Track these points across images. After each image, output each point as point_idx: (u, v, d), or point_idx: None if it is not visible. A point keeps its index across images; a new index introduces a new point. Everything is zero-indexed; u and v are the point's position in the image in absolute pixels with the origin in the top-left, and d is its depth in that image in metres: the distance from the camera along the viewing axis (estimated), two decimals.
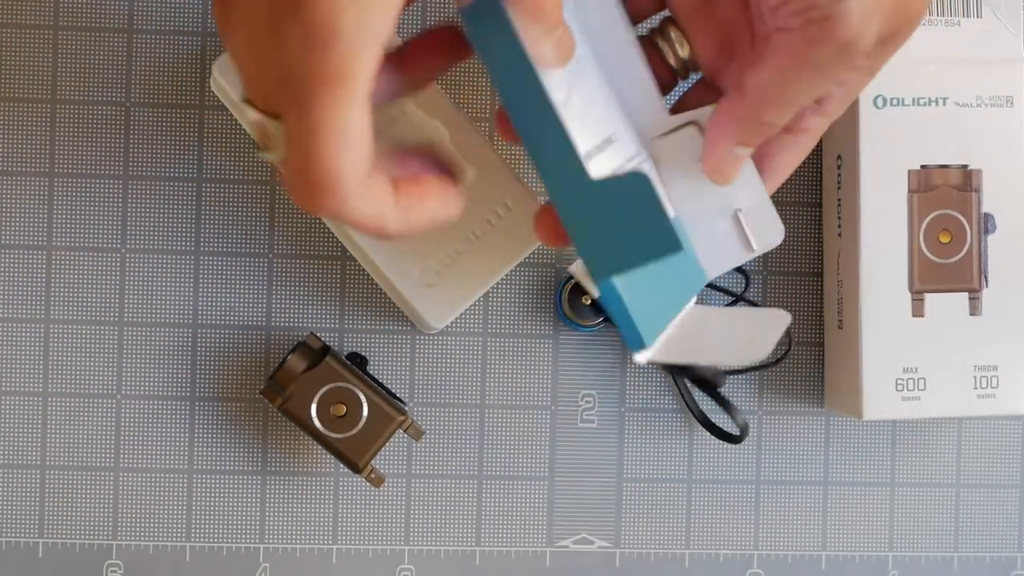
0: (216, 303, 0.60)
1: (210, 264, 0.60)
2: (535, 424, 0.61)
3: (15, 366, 0.59)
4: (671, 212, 0.50)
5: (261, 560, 0.60)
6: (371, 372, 0.60)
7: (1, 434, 0.59)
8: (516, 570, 0.61)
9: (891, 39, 0.45)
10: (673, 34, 0.50)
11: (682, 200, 0.50)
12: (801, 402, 0.62)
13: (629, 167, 0.49)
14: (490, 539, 0.61)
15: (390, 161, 0.44)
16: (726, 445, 0.61)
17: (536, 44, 0.43)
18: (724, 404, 0.59)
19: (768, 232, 0.51)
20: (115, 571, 0.59)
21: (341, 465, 0.59)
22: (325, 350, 0.57)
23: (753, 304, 0.57)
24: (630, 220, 0.43)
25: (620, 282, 0.46)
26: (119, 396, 0.60)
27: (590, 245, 0.43)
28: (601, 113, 0.49)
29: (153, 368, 0.60)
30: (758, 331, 0.49)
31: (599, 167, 0.48)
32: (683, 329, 0.50)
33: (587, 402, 0.61)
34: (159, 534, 0.60)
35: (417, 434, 0.57)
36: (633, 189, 0.42)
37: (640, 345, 0.47)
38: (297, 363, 0.56)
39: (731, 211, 0.51)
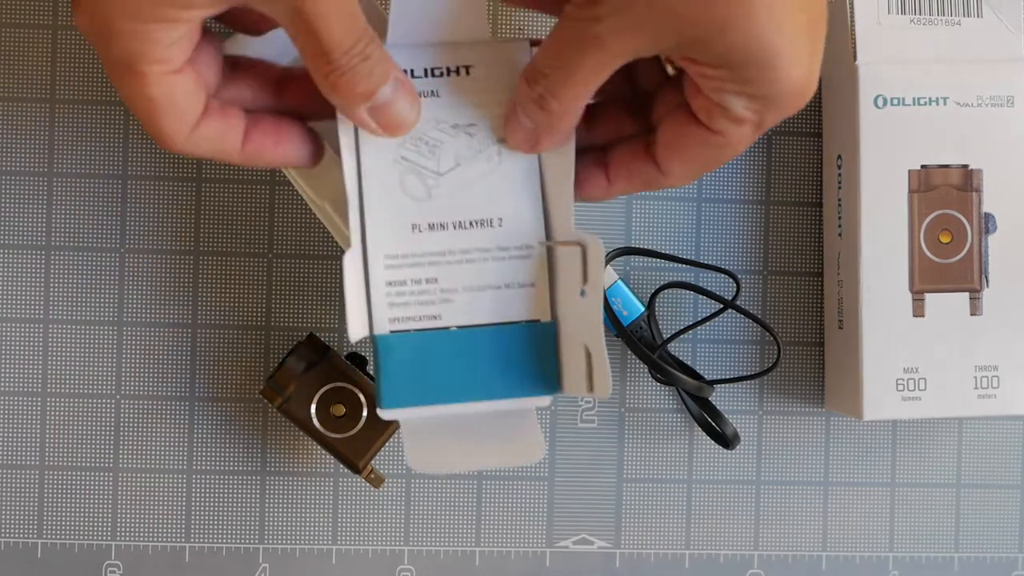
0: (216, 303, 0.60)
1: (210, 264, 0.60)
2: None
3: (14, 366, 0.59)
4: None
5: (260, 560, 0.60)
6: (371, 372, 0.60)
7: (1, 434, 0.59)
8: (516, 570, 0.61)
9: (694, 46, 0.43)
10: None
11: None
12: (801, 402, 0.62)
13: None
14: (490, 539, 0.61)
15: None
16: None
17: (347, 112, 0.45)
18: (714, 414, 0.59)
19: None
20: (114, 571, 0.59)
21: (341, 465, 0.59)
22: (325, 350, 0.57)
23: (745, 313, 0.57)
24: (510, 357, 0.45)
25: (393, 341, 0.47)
26: (118, 396, 0.59)
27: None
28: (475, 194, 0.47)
29: (152, 368, 0.60)
30: (510, 429, 0.48)
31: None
32: (445, 436, 0.47)
33: (587, 402, 0.61)
34: (158, 534, 0.60)
35: None
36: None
37: (380, 404, 0.47)
38: (297, 363, 0.56)
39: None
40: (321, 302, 0.60)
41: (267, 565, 0.60)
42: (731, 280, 0.60)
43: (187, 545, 0.60)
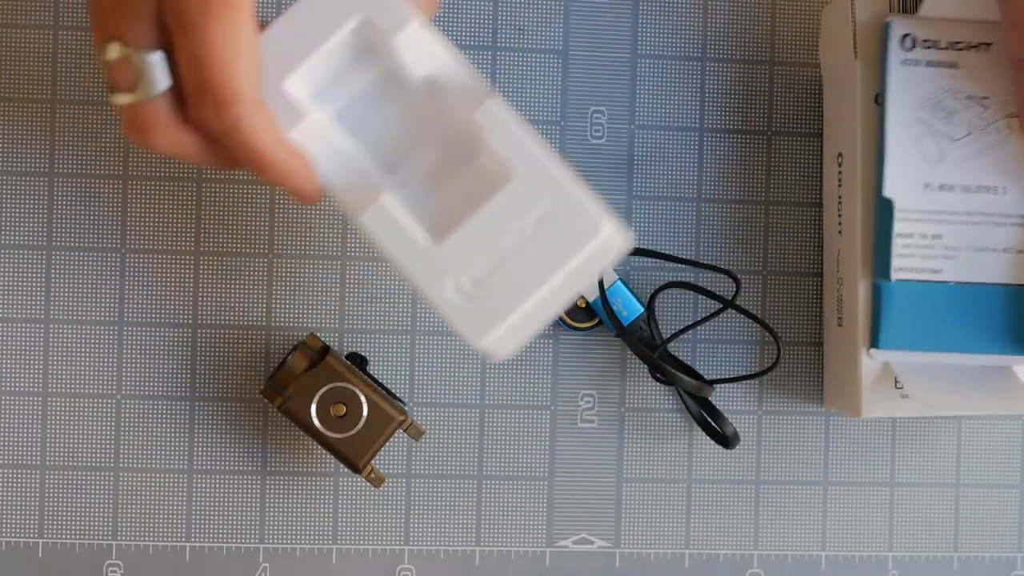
0: (216, 303, 0.60)
1: (210, 264, 0.60)
2: (535, 424, 0.61)
3: (15, 366, 0.59)
4: None
5: (261, 560, 0.60)
6: (371, 372, 0.60)
7: (1, 434, 0.59)
8: (516, 570, 0.61)
9: None
10: None
11: None
12: (801, 402, 0.62)
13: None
14: (490, 539, 0.61)
15: None
16: None
17: None
18: (713, 413, 0.59)
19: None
20: (115, 571, 0.59)
21: (341, 465, 0.59)
22: (325, 350, 0.57)
23: (745, 312, 0.57)
24: None
25: None
26: (119, 396, 0.60)
27: None
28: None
29: (153, 368, 0.60)
30: (995, 382, 0.55)
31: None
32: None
33: (587, 402, 0.61)
34: (159, 534, 0.60)
35: (417, 434, 0.57)
36: None
37: (877, 344, 0.54)
38: (297, 363, 0.56)
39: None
40: (321, 302, 0.60)
41: (267, 565, 0.60)
42: (731, 280, 0.60)
43: (188, 545, 0.60)
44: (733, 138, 0.61)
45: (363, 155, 0.50)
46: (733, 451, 0.61)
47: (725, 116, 0.61)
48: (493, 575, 0.61)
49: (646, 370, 0.61)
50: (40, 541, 0.59)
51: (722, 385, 0.61)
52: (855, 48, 0.56)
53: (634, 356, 0.61)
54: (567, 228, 0.48)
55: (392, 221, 0.49)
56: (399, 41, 0.48)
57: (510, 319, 0.48)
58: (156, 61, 0.46)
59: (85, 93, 0.59)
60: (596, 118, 0.61)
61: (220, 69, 0.44)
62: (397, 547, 0.60)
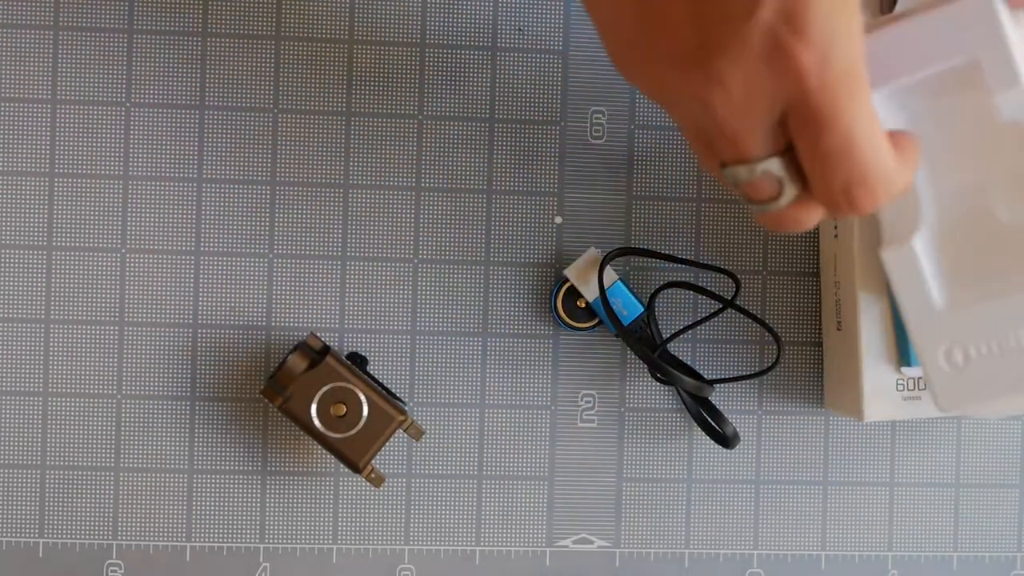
0: (216, 303, 0.60)
1: (210, 264, 0.60)
2: (535, 424, 0.61)
3: (15, 366, 0.59)
4: None
5: (261, 560, 0.60)
6: (371, 372, 0.60)
7: (1, 434, 0.59)
8: (516, 570, 0.61)
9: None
10: None
11: None
12: (801, 402, 0.62)
13: None
14: (490, 539, 0.61)
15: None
16: None
17: None
18: (713, 413, 0.59)
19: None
20: (115, 571, 0.60)
21: (341, 465, 0.59)
22: (325, 350, 0.57)
23: (745, 312, 0.58)
24: None
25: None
26: (119, 396, 0.60)
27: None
28: None
29: (153, 368, 0.60)
30: None
31: None
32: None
33: (587, 402, 0.61)
34: (159, 534, 0.60)
35: (417, 434, 0.57)
36: None
37: None
38: (297, 363, 0.56)
39: None
40: (321, 302, 0.60)
41: (268, 564, 0.60)
42: (731, 280, 0.60)
43: (188, 544, 0.60)
44: None
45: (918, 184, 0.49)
46: (733, 451, 0.61)
47: None
48: (493, 575, 0.61)
49: (646, 370, 0.61)
50: (40, 541, 0.59)
51: (722, 385, 0.61)
52: None
53: (634, 356, 0.61)
54: None
55: (914, 267, 0.49)
56: (1007, 97, 0.46)
57: (984, 406, 0.49)
58: (788, 166, 0.42)
59: (85, 93, 0.59)
60: (596, 118, 0.61)
61: (870, 158, 0.41)
62: (397, 547, 0.60)
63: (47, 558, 0.59)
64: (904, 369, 0.56)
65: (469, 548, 0.61)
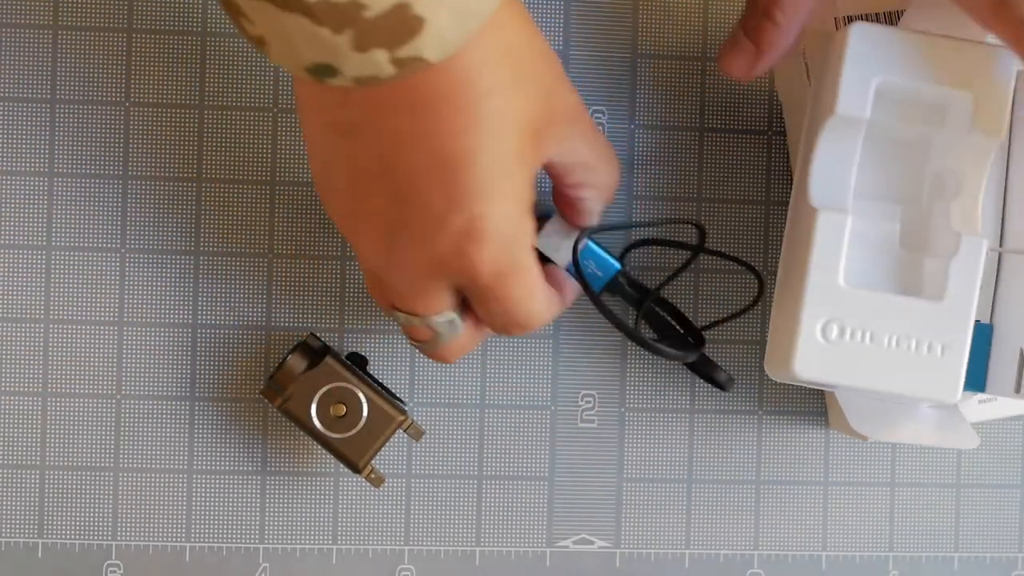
0: (216, 303, 0.60)
1: (210, 264, 0.60)
2: (535, 424, 0.61)
3: (14, 366, 0.59)
4: None
5: (261, 560, 0.60)
6: (371, 372, 0.60)
7: (0, 434, 0.59)
8: (516, 570, 0.61)
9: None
10: None
11: None
12: (801, 402, 0.62)
13: None
14: (490, 539, 0.61)
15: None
16: (726, 445, 0.61)
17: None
18: (707, 363, 0.58)
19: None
20: (115, 571, 0.60)
21: (341, 465, 0.59)
22: (325, 350, 0.57)
23: (716, 253, 0.57)
24: None
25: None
26: (119, 396, 0.60)
27: None
28: None
29: (153, 368, 0.60)
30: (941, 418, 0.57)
31: None
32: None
33: (587, 402, 0.61)
34: (159, 534, 0.60)
35: (417, 434, 0.57)
36: None
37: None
38: (297, 363, 0.56)
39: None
40: (321, 302, 0.60)
41: (267, 565, 0.60)
42: (696, 230, 0.59)
43: (187, 545, 0.60)
44: (733, 138, 0.61)
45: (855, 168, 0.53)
46: (733, 451, 0.61)
47: (725, 116, 0.61)
48: (493, 575, 0.61)
49: (646, 370, 0.61)
50: (40, 541, 0.59)
51: (721, 383, 0.61)
52: (807, 70, 0.56)
53: (634, 356, 0.61)
54: (934, 372, 0.51)
55: (839, 238, 0.51)
56: (969, 142, 0.52)
57: (827, 379, 0.51)
58: (453, 320, 0.52)
59: (85, 93, 0.59)
60: (596, 118, 0.61)
61: (525, 318, 0.51)
62: (397, 547, 0.60)
63: (46, 558, 0.59)
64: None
65: (469, 548, 0.61)
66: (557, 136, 0.49)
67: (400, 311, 0.52)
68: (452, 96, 0.44)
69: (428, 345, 0.53)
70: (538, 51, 0.48)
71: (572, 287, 0.55)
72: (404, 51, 0.42)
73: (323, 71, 0.42)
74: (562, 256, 0.56)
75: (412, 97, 0.44)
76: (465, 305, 0.52)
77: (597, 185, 0.53)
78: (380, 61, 0.42)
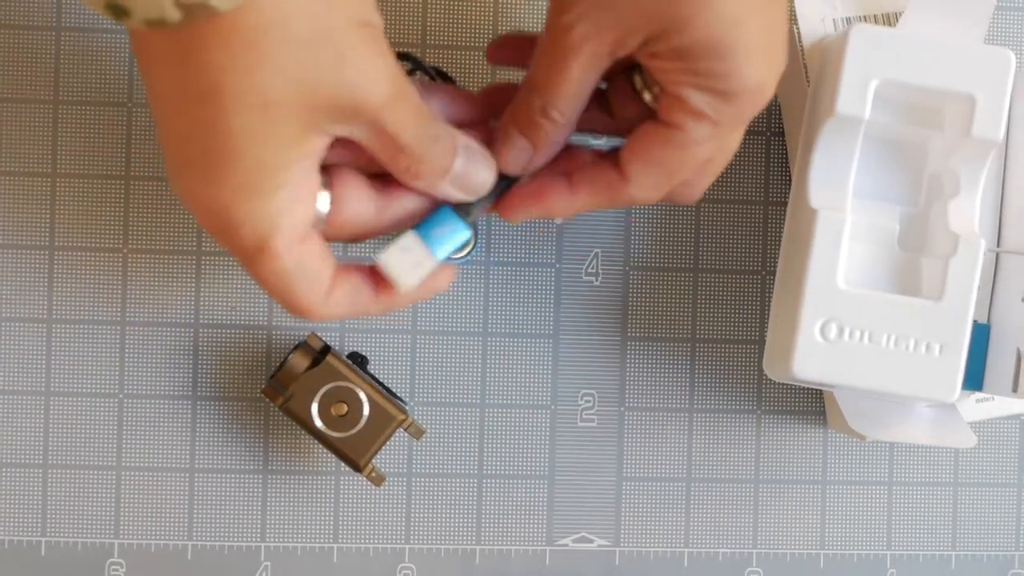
0: (218, 303, 0.60)
1: (212, 264, 0.60)
2: (535, 423, 0.61)
3: (17, 365, 0.59)
4: None
5: (262, 559, 0.60)
6: (371, 372, 0.60)
7: (4, 433, 0.59)
8: (516, 569, 0.61)
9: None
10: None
11: None
12: (799, 402, 0.62)
13: None
14: (490, 538, 0.61)
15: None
16: (726, 445, 0.61)
17: None
18: None
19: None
20: (117, 569, 0.60)
21: (342, 464, 0.60)
22: (326, 350, 0.57)
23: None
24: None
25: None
26: (121, 395, 0.60)
27: None
28: None
29: (155, 367, 0.60)
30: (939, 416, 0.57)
31: None
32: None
33: (587, 402, 0.61)
34: (161, 533, 0.60)
35: (417, 433, 0.57)
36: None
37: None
38: (298, 362, 0.56)
39: None
40: None
41: (269, 563, 0.60)
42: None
43: (189, 543, 0.60)
44: None
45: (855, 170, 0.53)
46: (733, 450, 0.61)
47: None
48: (493, 574, 0.61)
49: (646, 370, 0.61)
50: (42, 540, 0.59)
51: (719, 385, 0.61)
52: (805, 71, 0.57)
53: (633, 356, 0.61)
54: (932, 371, 0.52)
55: (838, 239, 0.52)
56: (965, 145, 0.52)
57: (825, 379, 0.52)
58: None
59: (87, 94, 0.59)
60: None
61: (279, 296, 0.47)
62: (398, 546, 0.61)
63: (49, 557, 0.59)
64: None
65: (469, 547, 0.61)
66: (343, 112, 0.44)
67: None
68: (229, 47, 0.42)
69: None
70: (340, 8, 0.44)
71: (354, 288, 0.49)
72: None
73: (117, 11, 0.41)
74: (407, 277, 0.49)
75: (194, 45, 0.42)
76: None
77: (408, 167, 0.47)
78: (165, 3, 0.41)
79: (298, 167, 0.45)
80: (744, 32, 0.45)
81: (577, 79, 0.47)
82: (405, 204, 0.48)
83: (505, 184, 0.49)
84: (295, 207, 0.45)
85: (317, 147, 0.45)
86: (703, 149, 0.48)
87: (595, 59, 0.46)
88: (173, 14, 0.41)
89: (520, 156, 0.49)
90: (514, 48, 0.53)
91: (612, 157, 0.49)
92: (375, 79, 0.44)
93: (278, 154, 0.44)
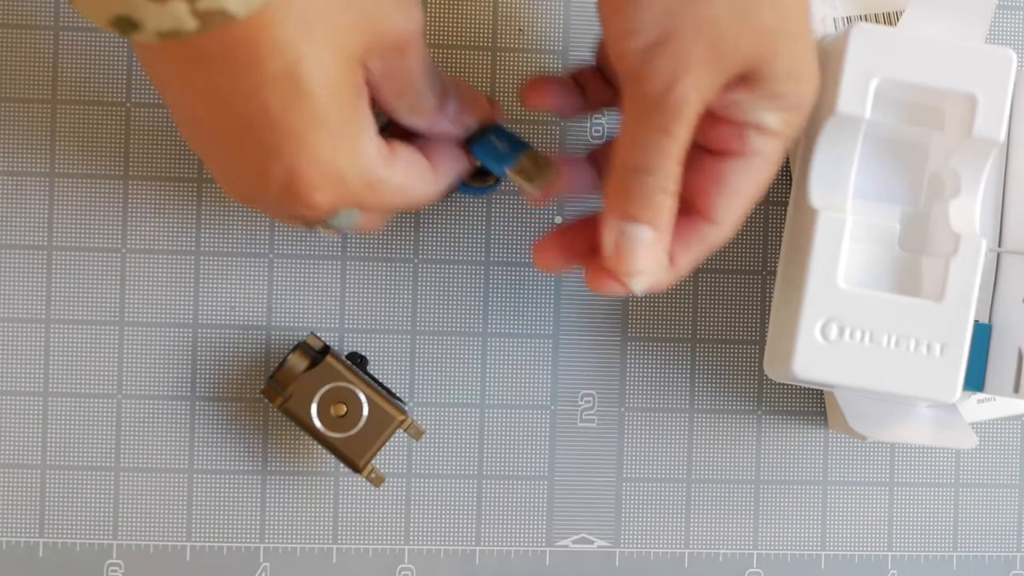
0: (217, 303, 0.60)
1: (210, 264, 0.60)
2: (535, 424, 0.61)
3: (15, 366, 0.59)
4: None
5: (261, 559, 0.60)
6: (371, 372, 0.60)
7: (2, 433, 0.59)
8: (516, 569, 0.61)
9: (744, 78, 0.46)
10: None
11: None
12: (800, 402, 0.62)
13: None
14: (490, 539, 0.61)
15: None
16: (725, 445, 0.61)
17: None
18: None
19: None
20: (115, 570, 0.60)
21: (341, 465, 0.59)
22: (325, 350, 0.57)
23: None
24: None
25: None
26: (120, 396, 0.60)
27: None
28: None
29: (154, 368, 0.60)
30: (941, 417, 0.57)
31: None
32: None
33: (587, 402, 0.61)
34: (159, 534, 0.60)
35: (417, 434, 0.57)
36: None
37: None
38: (297, 363, 0.56)
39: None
40: (321, 302, 0.60)
41: (268, 564, 0.60)
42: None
43: (188, 544, 0.60)
44: None
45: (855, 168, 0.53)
46: (733, 451, 0.61)
47: None
48: (493, 575, 0.61)
49: (646, 370, 0.61)
50: (40, 541, 0.59)
51: (719, 386, 0.61)
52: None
53: (633, 356, 0.61)
54: (933, 372, 0.52)
55: (839, 239, 0.51)
56: (964, 146, 0.52)
57: (826, 379, 0.52)
58: (348, 212, 0.50)
59: (86, 94, 0.59)
60: (596, 118, 0.61)
61: (404, 207, 0.51)
62: (397, 546, 0.60)
63: (47, 558, 0.59)
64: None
65: (469, 548, 0.61)
66: (383, 69, 0.47)
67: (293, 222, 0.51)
68: (255, 53, 0.42)
69: (335, 228, 0.51)
70: None
71: (448, 162, 0.52)
72: (205, 2, 0.40)
73: (126, 24, 0.40)
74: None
75: (216, 53, 0.42)
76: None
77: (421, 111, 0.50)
78: (180, 14, 0.40)
79: (361, 100, 0.46)
80: (807, 47, 0.47)
81: (686, 141, 0.46)
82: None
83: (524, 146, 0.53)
84: (375, 134, 0.47)
85: (364, 83, 0.47)
86: (776, 166, 0.49)
87: (697, 117, 0.46)
88: (190, 24, 0.40)
89: (651, 251, 0.47)
90: (550, 95, 0.53)
91: (683, 210, 0.48)
92: (407, 11, 0.46)
93: (354, 97, 0.46)
